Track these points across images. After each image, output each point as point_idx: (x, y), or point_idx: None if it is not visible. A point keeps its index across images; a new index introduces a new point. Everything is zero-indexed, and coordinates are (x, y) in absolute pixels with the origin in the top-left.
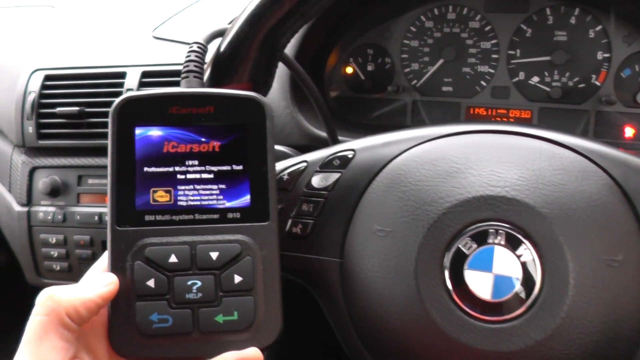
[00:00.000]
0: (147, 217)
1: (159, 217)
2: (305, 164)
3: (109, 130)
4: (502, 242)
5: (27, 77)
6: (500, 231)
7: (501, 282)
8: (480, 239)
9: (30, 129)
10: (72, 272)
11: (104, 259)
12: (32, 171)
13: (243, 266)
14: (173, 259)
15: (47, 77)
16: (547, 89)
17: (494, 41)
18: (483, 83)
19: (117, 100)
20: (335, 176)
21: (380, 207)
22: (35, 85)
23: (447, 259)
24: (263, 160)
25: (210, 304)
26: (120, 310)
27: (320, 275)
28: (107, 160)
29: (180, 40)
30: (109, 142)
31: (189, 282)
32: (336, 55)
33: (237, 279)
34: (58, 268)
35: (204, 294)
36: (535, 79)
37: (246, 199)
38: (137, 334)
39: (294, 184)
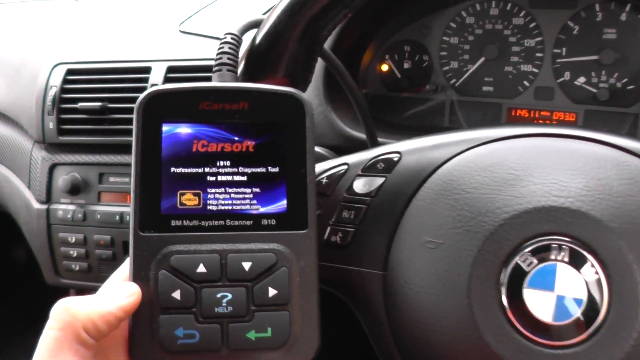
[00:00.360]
0: (174, 222)
1: (186, 223)
2: (345, 167)
3: (134, 126)
4: (566, 259)
5: (49, 71)
6: (564, 247)
7: (564, 303)
8: (542, 254)
9: (51, 124)
10: (92, 273)
11: (125, 266)
12: (52, 168)
13: (278, 278)
14: (201, 268)
15: (69, 72)
16: (594, 90)
17: (538, 39)
18: (526, 83)
19: (143, 94)
20: (379, 181)
21: (430, 216)
22: (56, 79)
23: (504, 276)
24: (302, 161)
25: (241, 318)
26: (142, 324)
27: (361, 289)
28: (131, 160)
29: (208, 34)
30: (133, 139)
31: (219, 295)
32: (371, 52)
33: (272, 291)
34: (77, 268)
35: (235, 307)
36: (582, 79)
37: (282, 204)
38: (161, 349)
39: (333, 189)
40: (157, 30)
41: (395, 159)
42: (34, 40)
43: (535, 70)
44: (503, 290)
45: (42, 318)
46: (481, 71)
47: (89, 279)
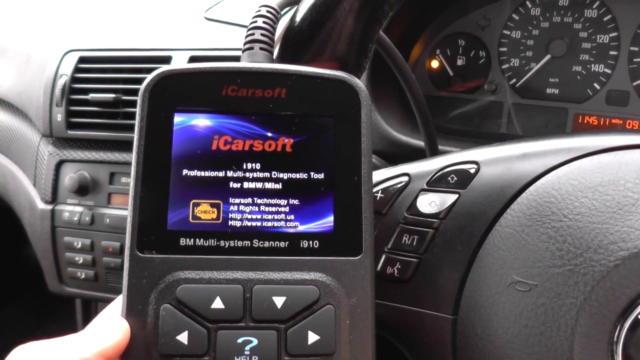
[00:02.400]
0: (183, 241)
1: (200, 242)
2: (406, 179)
3: (137, 115)
4: None
5: (59, 59)
6: None
7: None
8: None
9: (59, 116)
10: (99, 282)
11: (119, 300)
12: (59, 165)
13: (321, 319)
14: (218, 303)
15: (82, 59)
16: None
17: (613, 34)
18: (597, 86)
19: (151, 75)
20: (451, 198)
21: (520, 249)
22: (67, 67)
23: (620, 334)
24: (356, 166)
25: None
26: None
27: (423, 336)
28: (132, 158)
29: (236, 22)
30: (136, 131)
31: (240, 340)
32: (421, 46)
33: (312, 337)
34: (83, 276)
35: (262, 357)
36: None
37: (329, 222)
38: None
39: (390, 206)
40: (181, 17)
41: (472, 170)
42: (46, 25)
43: (608, 71)
44: (619, 352)
45: (50, 320)
46: (546, 70)
47: (96, 289)
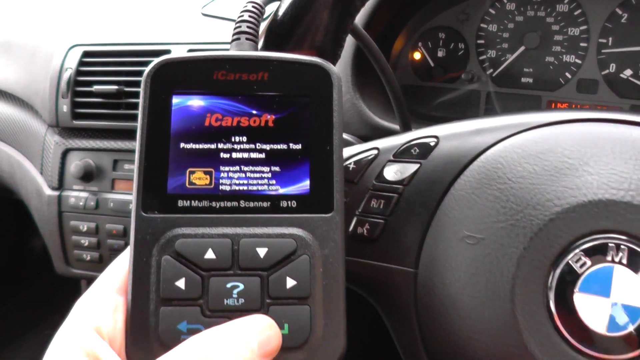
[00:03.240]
0: (181, 203)
1: (195, 203)
2: (376, 152)
3: (141, 97)
4: (624, 261)
5: (64, 53)
6: (622, 247)
7: (620, 312)
8: (597, 255)
9: (65, 107)
10: (103, 263)
11: (123, 257)
12: (65, 153)
13: (298, 267)
14: (210, 254)
15: (86, 54)
16: None
17: (583, 27)
18: (568, 75)
19: (152, 63)
20: (413, 167)
21: (470, 208)
22: (72, 61)
23: (553, 278)
24: (328, 138)
25: (254, 312)
26: (140, 317)
27: (389, 287)
28: (136, 134)
29: (231, 17)
30: (139, 112)
31: (229, 285)
32: (403, 39)
33: (290, 282)
34: (88, 258)
35: (247, 300)
36: (628, 72)
37: (305, 185)
38: (161, 346)
39: (361, 175)
40: (178, 13)
41: (432, 143)
42: (50, 21)
43: (579, 61)
44: (551, 295)
45: (57, 309)
46: (520, 61)
47: (100, 270)
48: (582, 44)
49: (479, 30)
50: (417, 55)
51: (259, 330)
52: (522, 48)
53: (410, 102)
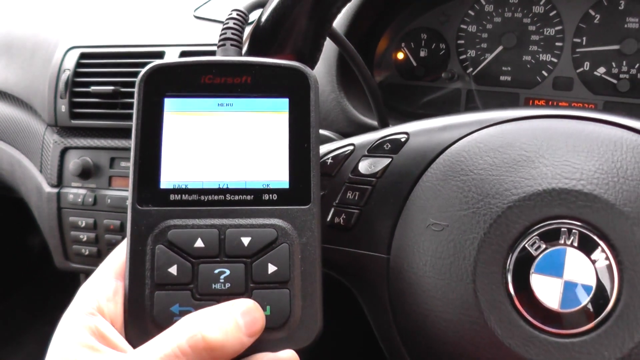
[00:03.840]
0: (173, 197)
1: (185, 197)
2: (351, 148)
3: (135, 100)
4: (575, 244)
5: (62, 55)
6: (574, 231)
7: (572, 290)
8: (551, 239)
9: (63, 107)
10: (101, 258)
11: (122, 246)
12: (64, 152)
13: (278, 254)
14: (199, 243)
15: (83, 55)
16: (614, 81)
17: (558, 27)
18: (544, 73)
19: (145, 68)
20: (385, 162)
21: (436, 198)
22: (70, 63)
23: (511, 261)
24: (305, 136)
25: (239, 296)
26: (137, 300)
27: (364, 272)
28: (131, 134)
29: (222, 20)
30: (134, 114)
31: (216, 271)
32: (387, 40)
33: (271, 268)
34: (87, 252)
35: (233, 284)
36: (602, 69)
37: (285, 179)
38: (155, 327)
39: (338, 169)
40: (172, 15)
41: (403, 139)
42: (48, 23)
43: (555, 60)
44: (509, 276)
45: (57, 306)
46: (499, 60)
47: (98, 264)
48: (557, 44)
49: (459, 30)
50: (400, 56)
51: (245, 312)
52: (500, 48)
53: (395, 100)
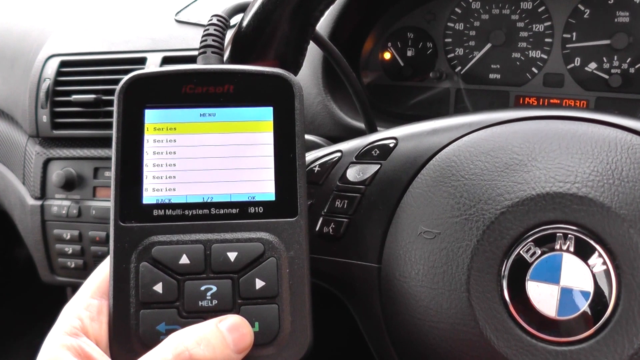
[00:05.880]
0: (156, 212)
1: (169, 212)
2: (339, 154)
3: (114, 112)
4: (572, 249)
5: (42, 63)
6: (570, 235)
7: (569, 297)
8: (546, 244)
9: (45, 118)
10: (87, 270)
11: (106, 263)
12: (47, 163)
13: (266, 269)
14: (184, 260)
15: (63, 63)
16: (606, 76)
17: (547, 23)
18: (534, 70)
19: (124, 79)
20: (373, 168)
21: (427, 205)
22: (50, 71)
23: (506, 268)
24: (291, 146)
25: (226, 312)
26: (122, 320)
27: (355, 283)
28: (112, 148)
29: (204, 23)
30: (114, 126)
31: (203, 287)
32: (373, 40)
33: (259, 283)
34: (72, 265)
35: (220, 301)
36: (593, 65)
37: (271, 191)
38: (141, 346)
39: (326, 177)
40: (153, 20)
41: (391, 145)
42: (27, 31)
43: (544, 56)
44: (504, 283)
45: (43, 318)
46: (487, 58)
47: (85, 277)
48: (547, 40)
49: (446, 29)
50: (387, 56)
51: (233, 328)
52: (488, 45)
53: (383, 102)
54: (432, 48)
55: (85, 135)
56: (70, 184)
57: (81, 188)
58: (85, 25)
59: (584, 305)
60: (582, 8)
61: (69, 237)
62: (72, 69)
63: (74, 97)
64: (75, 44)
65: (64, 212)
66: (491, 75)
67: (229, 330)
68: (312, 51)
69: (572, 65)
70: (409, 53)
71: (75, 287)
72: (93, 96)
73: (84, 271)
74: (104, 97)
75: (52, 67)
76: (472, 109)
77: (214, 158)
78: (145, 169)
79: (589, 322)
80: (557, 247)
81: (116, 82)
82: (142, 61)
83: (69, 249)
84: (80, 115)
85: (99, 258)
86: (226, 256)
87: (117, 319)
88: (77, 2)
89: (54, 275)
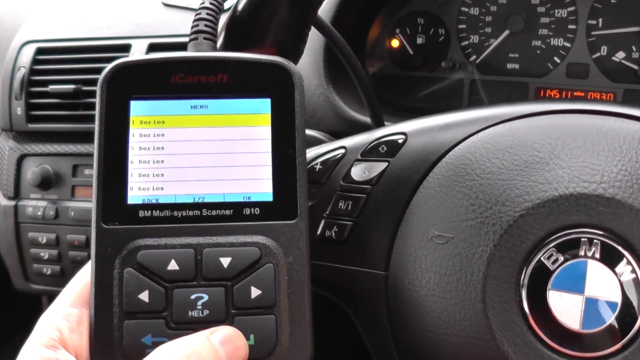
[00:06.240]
0: (142, 213)
1: (156, 213)
2: (343, 151)
3: (97, 104)
4: (598, 256)
5: (17, 51)
6: (595, 241)
7: (594, 308)
8: (569, 250)
9: (19, 110)
10: (65, 277)
11: (87, 268)
12: (21, 159)
13: (262, 276)
14: (173, 265)
15: (39, 51)
16: (635, 66)
17: (571, 8)
18: (557, 59)
19: (108, 67)
20: (381, 166)
21: (439, 207)
22: (25, 59)
23: (525, 276)
24: (290, 142)
25: (219, 324)
26: (105, 331)
27: (359, 291)
28: (94, 143)
29: (193, 7)
30: (96, 119)
31: (193, 296)
32: (379, 26)
33: (255, 292)
34: (49, 272)
35: (212, 311)
36: (620, 54)
37: (268, 191)
38: None
39: (328, 176)
40: (138, 3)
41: (400, 141)
42: (0, 16)
43: (568, 44)
44: (524, 293)
45: (17, 330)
46: (505, 46)
47: (62, 285)
48: (570, 26)
49: (460, 14)
50: (395, 43)
51: (226, 340)
52: (506, 32)
53: (390, 93)
54: (445, 35)
55: (64, 130)
56: (46, 183)
57: (59, 187)
58: (63, 8)
59: (610, 318)
60: None
61: (45, 240)
62: (49, 57)
63: (52, 87)
64: (52, 29)
65: (39, 213)
66: (509, 65)
67: (222, 342)
68: (313, 37)
69: (598, 54)
70: (419, 40)
71: (51, 296)
72: (72, 86)
73: (61, 278)
74: (84, 88)
75: (27, 54)
76: (488, 102)
77: (206, 154)
78: (130, 165)
79: (616, 335)
80: (582, 253)
81: (97, 71)
82: (126, 48)
83: (44, 253)
84: (58, 107)
85: (78, 264)
86: (219, 262)
87: (98, 330)
88: None
89: (29, 283)
